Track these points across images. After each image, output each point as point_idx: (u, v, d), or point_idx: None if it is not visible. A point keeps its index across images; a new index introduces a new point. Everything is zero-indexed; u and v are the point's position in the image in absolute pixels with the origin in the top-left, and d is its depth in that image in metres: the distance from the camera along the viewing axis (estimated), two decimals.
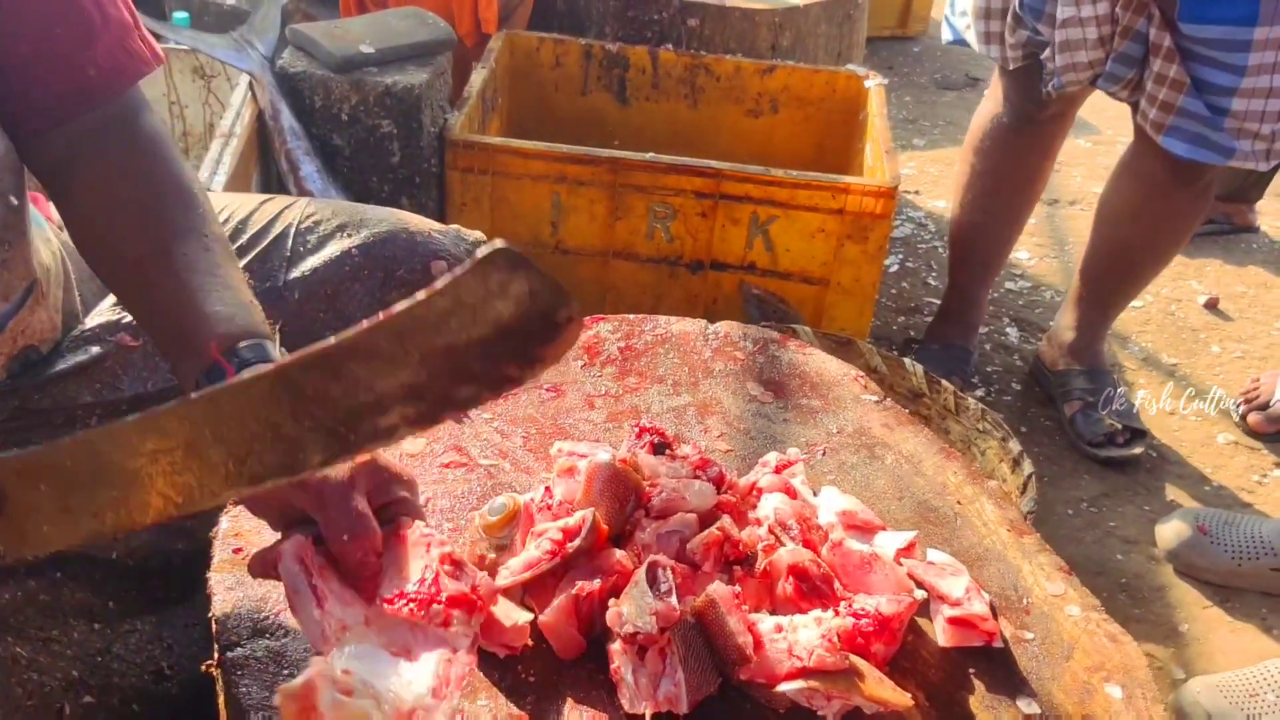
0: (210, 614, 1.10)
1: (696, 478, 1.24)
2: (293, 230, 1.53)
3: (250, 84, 2.47)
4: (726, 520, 1.20)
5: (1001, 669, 1.16)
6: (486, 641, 1.06)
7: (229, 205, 1.56)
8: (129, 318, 1.37)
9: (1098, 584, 2.31)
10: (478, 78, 2.73)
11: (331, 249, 1.50)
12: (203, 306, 1.05)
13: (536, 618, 1.08)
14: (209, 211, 1.18)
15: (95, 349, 1.35)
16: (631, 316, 1.59)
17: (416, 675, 0.91)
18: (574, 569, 1.11)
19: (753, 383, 1.51)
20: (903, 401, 2.21)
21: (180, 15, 2.82)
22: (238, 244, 1.51)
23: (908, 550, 1.22)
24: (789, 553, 1.17)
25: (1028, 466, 2.06)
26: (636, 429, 1.29)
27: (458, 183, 2.56)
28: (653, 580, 1.07)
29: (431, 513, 1.24)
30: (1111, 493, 2.57)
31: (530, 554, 1.11)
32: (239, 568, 1.14)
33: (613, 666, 1.05)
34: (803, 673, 1.06)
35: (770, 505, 1.22)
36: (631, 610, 1.04)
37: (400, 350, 0.72)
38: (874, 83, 2.92)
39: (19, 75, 1.16)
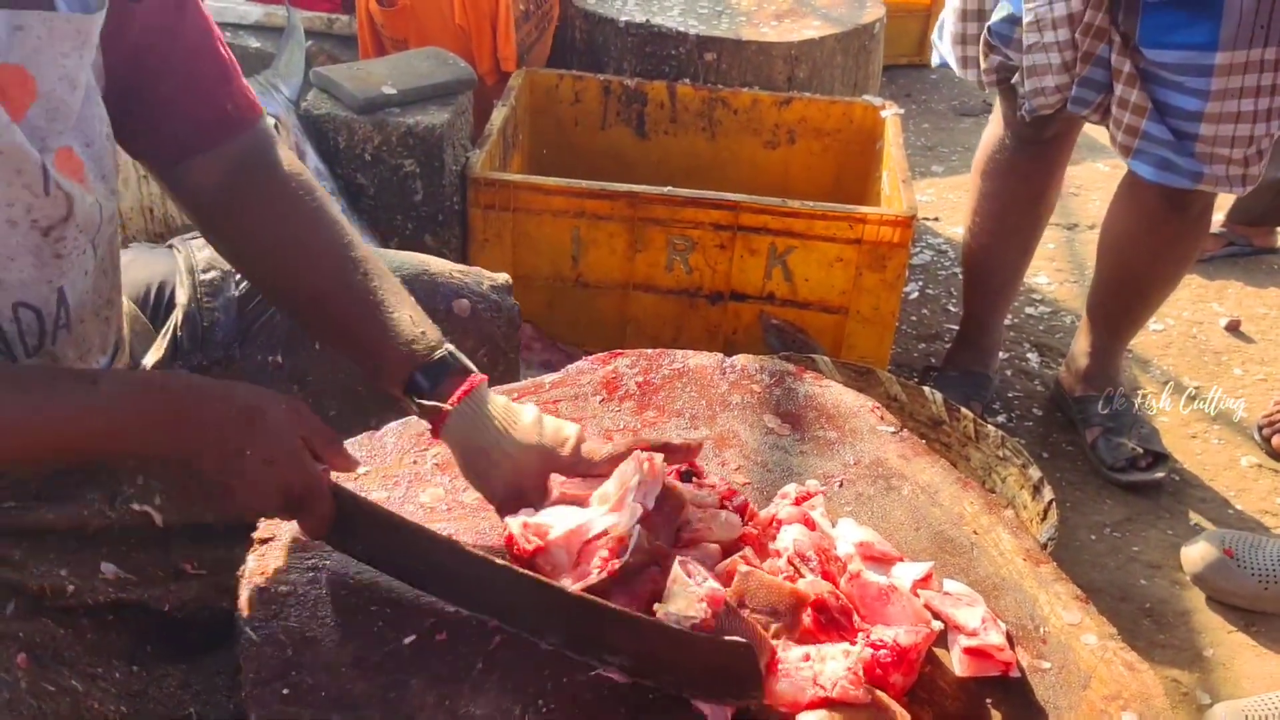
0: (237, 652, 1.13)
1: (723, 507, 1.27)
2: None
3: (275, 126, 2.51)
4: (749, 552, 1.22)
5: (1019, 699, 1.17)
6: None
7: None
8: None
9: (1121, 609, 2.31)
10: (498, 115, 2.77)
11: None
12: (387, 330, 1.27)
13: None
14: (356, 237, 1.35)
15: None
16: (649, 351, 1.62)
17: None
18: (618, 587, 1.15)
19: (769, 415, 1.53)
20: (923, 430, 2.23)
21: None
22: (259, 296, 1.55)
23: (924, 581, 1.23)
24: (809, 584, 1.19)
25: (1048, 493, 2.07)
26: None
27: (480, 219, 2.60)
28: (690, 575, 1.12)
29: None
30: (1135, 517, 2.57)
31: (581, 570, 1.16)
32: (264, 606, 1.17)
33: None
34: (825, 703, 1.08)
35: (789, 537, 1.24)
36: (680, 604, 1.09)
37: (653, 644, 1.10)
38: (890, 112, 2.95)
39: (164, 109, 1.31)
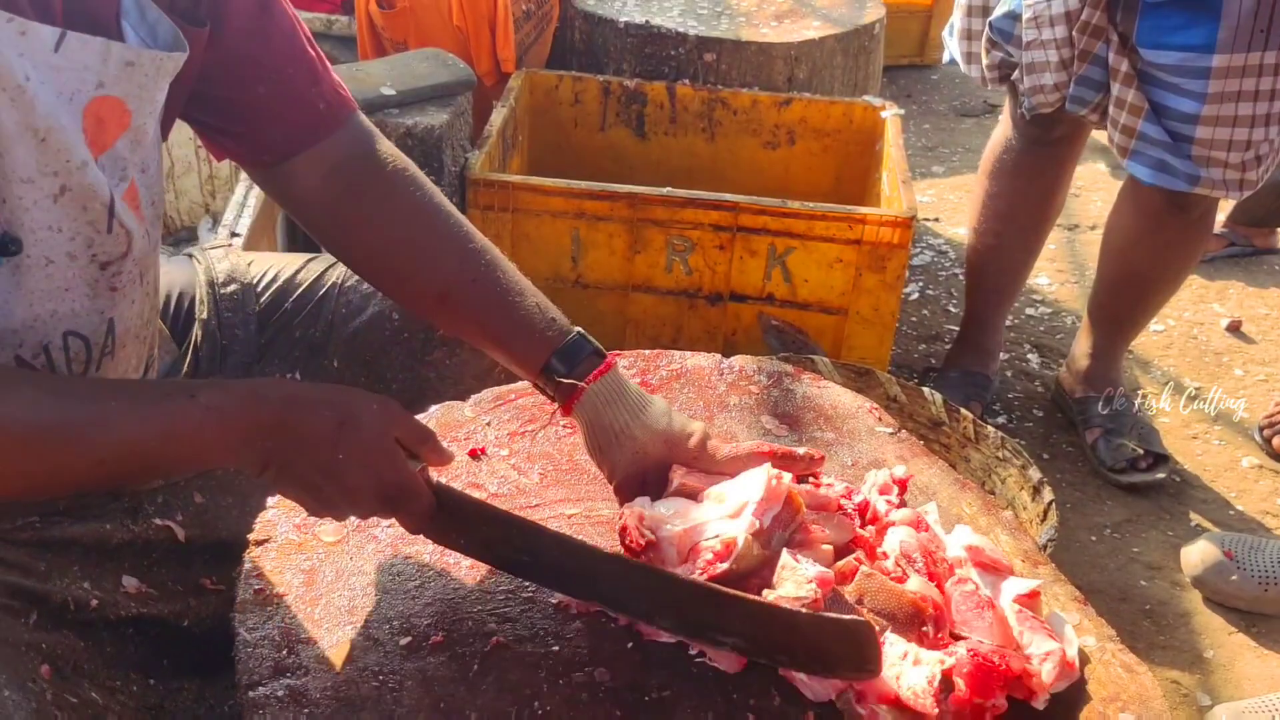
0: (233, 652, 1.13)
1: (840, 508, 1.28)
2: (336, 291, 1.56)
3: None
4: (860, 554, 1.23)
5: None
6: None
7: (274, 265, 1.59)
8: None
9: (1121, 610, 2.30)
10: (498, 116, 2.77)
11: (372, 310, 1.55)
12: (519, 320, 1.31)
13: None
14: (469, 226, 1.37)
15: None
16: (647, 352, 1.61)
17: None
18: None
19: (767, 416, 1.52)
20: (922, 431, 2.22)
21: None
22: (283, 308, 1.54)
23: (1028, 598, 1.22)
24: (919, 585, 1.19)
25: (1048, 494, 2.06)
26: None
27: (479, 220, 2.59)
28: (796, 560, 1.14)
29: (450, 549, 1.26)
30: (1135, 518, 2.56)
31: (685, 568, 1.18)
32: (260, 608, 1.17)
33: (782, 673, 1.13)
34: (895, 701, 1.10)
35: (897, 538, 1.25)
36: (790, 587, 1.11)
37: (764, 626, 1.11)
38: (890, 113, 2.94)
39: (256, 113, 1.31)
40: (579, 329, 1.32)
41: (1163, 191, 2.30)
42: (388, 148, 1.38)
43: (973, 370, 2.81)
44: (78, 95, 1.09)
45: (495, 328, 1.32)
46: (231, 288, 1.54)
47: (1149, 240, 2.47)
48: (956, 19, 2.50)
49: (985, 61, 2.42)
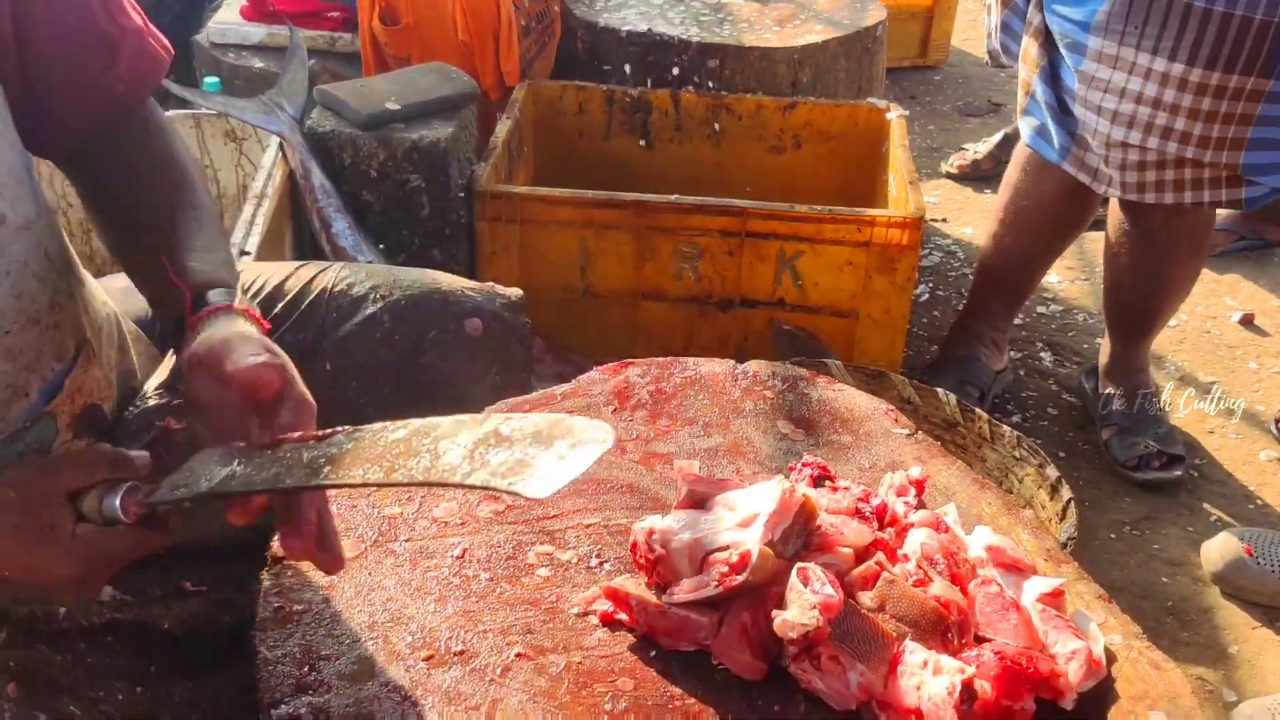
0: (254, 672, 1.12)
1: (858, 510, 1.27)
2: (326, 296, 1.56)
3: (280, 145, 2.51)
4: (882, 557, 1.22)
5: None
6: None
7: (263, 274, 1.59)
8: (173, 401, 1.41)
9: (1144, 607, 2.29)
10: (502, 128, 2.77)
11: (363, 314, 1.53)
12: (186, 264, 1.20)
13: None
14: (199, 184, 1.32)
15: (146, 438, 1.39)
16: (660, 360, 1.61)
17: None
18: (741, 597, 1.15)
19: (783, 421, 1.52)
20: (937, 432, 2.21)
21: (211, 81, 2.89)
22: (271, 313, 1.53)
23: (1052, 596, 1.21)
24: (943, 588, 1.19)
25: (1066, 492, 2.05)
26: (800, 464, 1.35)
27: (487, 232, 2.59)
28: (805, 581, 1.12)
29: (469, 562, 1.26)
30: (1154, 514, 2.55)
31: (700, 579, 1.16)
32: (279, 625, 1.16)
33: (803, 685, 1.12)
34: (915, 714, 1.09)
35: (917, 540, 1.24)
36: (794, 613, 1.10)
37: None
38: (895, 114, 2.93)
39: (55, 100, 1.24)
40: (216, 296, 1.18)
41: (1127, 207, 2.27)
42: (157, 110, 1.36)
43: (960, 354, 2.77)
44: None
45: (156, 270, 1.22)
46: None
47: (1123, 255, 2.45)
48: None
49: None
